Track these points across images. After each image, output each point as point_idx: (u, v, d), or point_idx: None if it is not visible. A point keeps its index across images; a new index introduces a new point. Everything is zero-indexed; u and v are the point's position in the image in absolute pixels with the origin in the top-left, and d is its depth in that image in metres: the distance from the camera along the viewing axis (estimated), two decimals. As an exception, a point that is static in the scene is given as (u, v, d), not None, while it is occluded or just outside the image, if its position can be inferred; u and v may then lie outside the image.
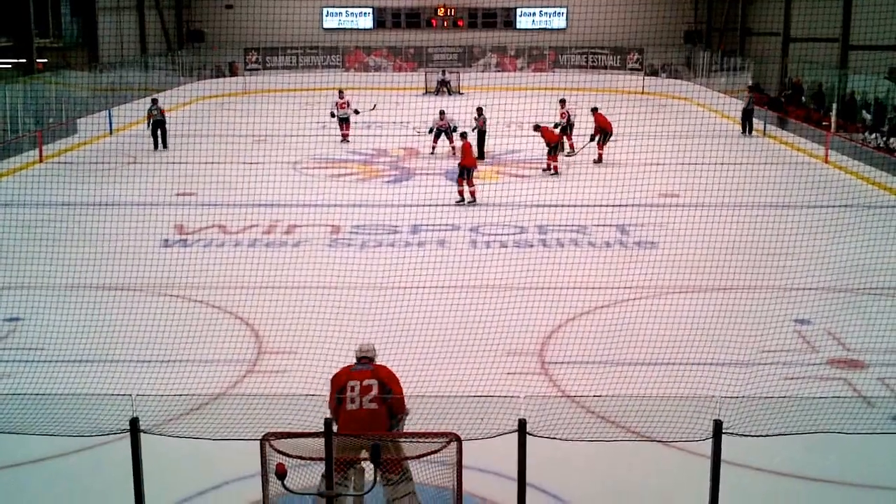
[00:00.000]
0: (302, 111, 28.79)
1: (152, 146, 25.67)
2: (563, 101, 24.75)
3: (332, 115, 27.12)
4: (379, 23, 44.52)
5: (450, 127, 24.12)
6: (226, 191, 19.36)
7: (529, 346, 11.07)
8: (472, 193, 18.84)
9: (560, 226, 16.94)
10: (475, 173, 19.17)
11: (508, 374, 10.21)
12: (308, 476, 6.66)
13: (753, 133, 28.47)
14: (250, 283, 13.37)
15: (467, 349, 10.37)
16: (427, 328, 10.77)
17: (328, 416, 6.82)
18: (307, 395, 7.60)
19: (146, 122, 26.10)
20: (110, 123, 28.42)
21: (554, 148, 21.92)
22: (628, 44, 41.08)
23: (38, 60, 30.14)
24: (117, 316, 11.74)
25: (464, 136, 20.23)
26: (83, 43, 34.80)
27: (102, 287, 13.02)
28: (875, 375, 10.39)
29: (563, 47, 43.23)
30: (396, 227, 17.01)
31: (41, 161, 23.70)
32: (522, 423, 6.47)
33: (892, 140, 22.70)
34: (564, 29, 43.74)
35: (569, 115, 24.50)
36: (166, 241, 15.96)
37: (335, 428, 6.51)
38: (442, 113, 24.24)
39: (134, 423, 6.52)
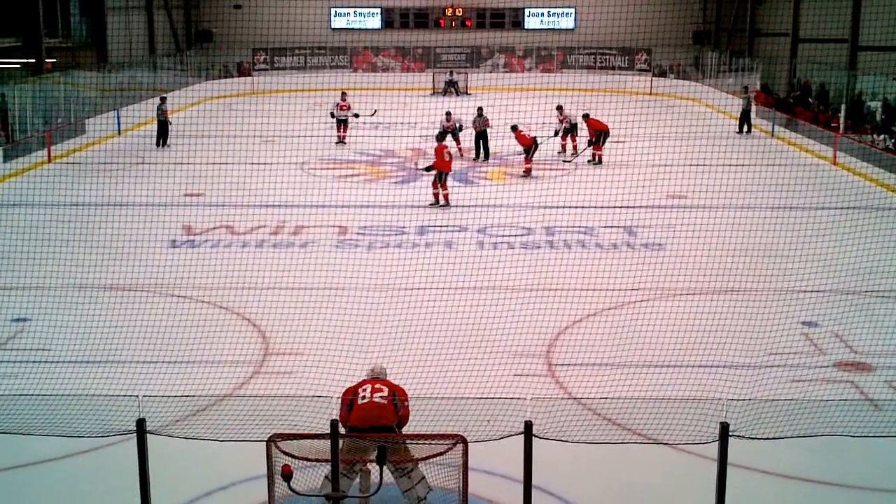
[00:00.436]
0: (310, 112, 28.81)
1: (155, 143, 26.15)
2: (560, 108, 24.70)
3: (332, 115, 27.13)
4: (387, 23, 44.58)
5: (457, 128, 24.10)
6: (233, 191, 19.36)
7: (536, 348, 11.05)
8: (446, 197, 18.81)
9: (567, 227, 16.93)
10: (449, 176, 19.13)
11: (515, 375, 10.18)
12: (314, 478, 6.68)
13: (752, 133, 28.49)
14: (257, 283, 13.37)
15: (474, 351, 10.38)
16: (433, 329, 10.80)
17: (335, 417, 6.84)
18: (313, 396, 7.59)
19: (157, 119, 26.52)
20: (118, 124, 28.50)
21: (528, 151, 21.98)
22: (636, 44, 41.06)
23: (46, 60, 30.15)
24: (124, 317, 11.77)
25: (439, 138, 20.20)
26: (92, 43, 34.87)
27: (110, 288, 13.07)
28: (882, 378, 10.36)
29: (572, 48, 43.15)
30: (403, 228, 17.02)
31: (50, 161, 23.76)
32: (529, 426, 6.46)
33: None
34: (573, 29, 43.71)
35: (569, 118, 24.48)
36: (174, 241, 15.99)
37: (342, 430, 6.52)
38: (448, 114, 24.20)
39: (140, 423, 6.54)
